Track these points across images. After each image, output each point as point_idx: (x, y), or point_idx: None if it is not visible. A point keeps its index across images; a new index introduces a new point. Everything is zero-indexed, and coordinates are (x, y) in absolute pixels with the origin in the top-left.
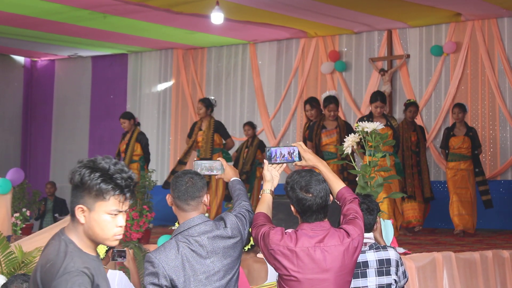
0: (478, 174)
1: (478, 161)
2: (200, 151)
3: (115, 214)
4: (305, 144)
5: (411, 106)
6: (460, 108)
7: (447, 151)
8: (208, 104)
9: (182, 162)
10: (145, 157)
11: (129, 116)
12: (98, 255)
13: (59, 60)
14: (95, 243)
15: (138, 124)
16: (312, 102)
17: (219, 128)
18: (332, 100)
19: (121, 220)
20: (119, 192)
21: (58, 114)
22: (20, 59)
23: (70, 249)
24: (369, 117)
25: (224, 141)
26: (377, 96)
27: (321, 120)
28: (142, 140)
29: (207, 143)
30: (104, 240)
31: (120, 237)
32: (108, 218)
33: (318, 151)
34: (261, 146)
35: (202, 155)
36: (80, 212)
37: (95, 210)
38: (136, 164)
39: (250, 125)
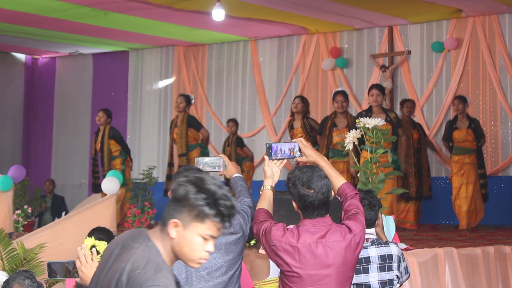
0: (480, 167)
1: (480, 153)
2: (177, 147)
3: (208, 239)
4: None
5: (407, 101)
6: (459, 99)
7: (450, 144)
8: (188, 100)
9: (170, 164)
10: (124, 150)
11: (108, 112)
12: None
13: (60, 57)
14: (177, 258)
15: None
16: (303, 97)
17: (191, 122)
18: (340, 92)
19: (211, 245)
20: (219, 220)
21: (59, 111)
22: (21, 56)
23: (161, 263)
24: (368, 111)
25: (200, 136)
26: (373, 85)
27: (332, 117)
28: (115, 134)
29: (181, 138)
30: (188, 260)
31: (204, 261)
32: (200, 240)
33: (328, 148)
34: (239, 142)
35: (179, 151)
36: (173, 227)
37: (189, 229)
38: (118, 160)
39: (235, 121)
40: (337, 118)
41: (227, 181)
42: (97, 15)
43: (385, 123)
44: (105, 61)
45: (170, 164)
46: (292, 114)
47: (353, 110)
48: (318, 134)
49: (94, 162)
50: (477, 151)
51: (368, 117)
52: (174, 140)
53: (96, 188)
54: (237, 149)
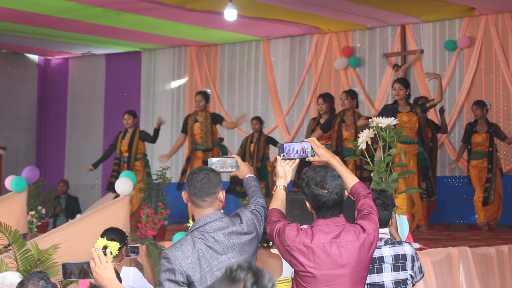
0: (489, 171)
1: (491, 157)
2: (200, 143)
3: None
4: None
5: (421, 99)
6: (477, 105)
7: (469, 146)
8: (207, 97)
9: (188, 159)
10: (153, 140)
11: (134, 113)
12: None
13: (73, 58)
14: None
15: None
16: (325, 96)
17: (217, 118)
18: (345, 91)
19: None
20: None
21: (72, 112)
22: (34, 57)
23: None
24: (394, 104)
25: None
26: (396, 79)
27: (341, 114)
28: (146, 137)
29: (206, 134)
30: None
31: None
32: None
33: (339, 145)
34: (270, 141)
35: (203, 146)
36: None
37: None
38: (140, 162)
39: (258, 119)
40: (345, 115)
41: (233, 181)
42: (109, 15)
43: (397, 122)
44: (117, 61)
45: (188, 159)
46: (320, 115)
47: (366, 109)
48: (320, 128)
49: (116, 161)
50: (489, 155)
51: (394, 109)
52: (194, 135)
53: (112, 186)
54: (266, 148)
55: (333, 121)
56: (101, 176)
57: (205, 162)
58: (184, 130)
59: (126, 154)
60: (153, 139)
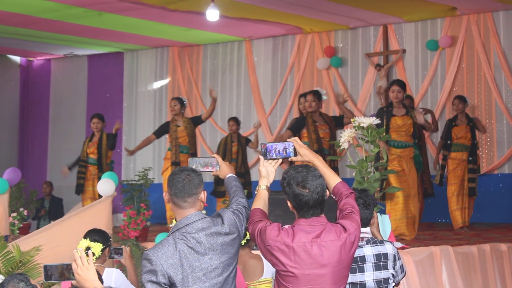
0: (472, 162)
1: (474, 150)
2: (188, 147)
3: None
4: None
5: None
6: (460, 99)
7: (449, 141)
8: (181, 102)
9: (176, 163)
10: (112, 146)
11: (103, 118)
12: None
13: (55, 59)
14: None
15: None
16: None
17: (197, 120)
18: (311, 92)
19: None
20: None
21: (55, 113)
22: (16, 58)
23: None
24: (389, 107)
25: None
26: (394, 81)
27: (311, 116)
28: (113, 144)
29: (192, 137)
30: None
31: None
32: None
33: (320, 145)
34: (247, 142)
35: (191, 150)
36: None
37: None
38: (106, 168)
39: (235, 120)
40: (314, 117)
41: (219, 181)
42: (91, 15)
43: (379, 121)
44: (100, 62)
45: (176, 163)
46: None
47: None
48: (290, 130)
49: (82, 163)
50: (471, 148)
51: (389, 113)
52: (178, 139)
53: (79, 189)
54: (245, 148)
55: (301, 123)
56: None
57: None
58: (158, 133)
59: (94, 156)
60: (111, 145)
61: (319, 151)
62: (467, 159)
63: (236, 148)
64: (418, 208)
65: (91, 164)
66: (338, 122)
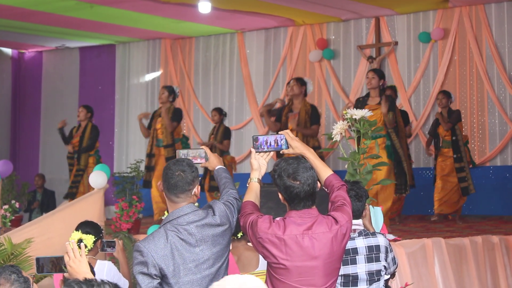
0: (459, 161)
1: (456, 146)
2: (161, 139)
3: None
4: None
5: (387, 88)
6: (444, 94)
7: (436, 140)
8: (171, 91)
9: (150, 155)
10: (64, 142)
11: (88, 108)
12: None
13: (47, 51)
14: None
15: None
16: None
17: (175, 116)
18: (294, 78)
19: None
20: None
21: (47, 105)
22: (8, 51)
23: None
24: (365, 96)
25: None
26: (371, 69)
27: (290, 104)
28: (96, 136)
29: (167, 129)
30: None
31: None
32: None
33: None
34: (226, 133)
35: (164, 142)
36: None
37: None
38: (92, 158)
39: (218, 111)
40: (293, 104)
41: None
42: (83, 8)
43: (372, 114)
44: (92, 54)
45: (150, 155)
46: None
47: (341, 101)
48: (277, 120)
49: (69, 155)
50: (452, 144)
51: (364, 102)
52: (157, 130)
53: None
54: (223, 141)
55: (281, 110)
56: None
57: (168, 159)
58: (149, 125)
59: (76, 148)
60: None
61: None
62: (452, 155)
63: (212, 141)
64: (392, 199)
65: (75, 158)
66: (314, 116)
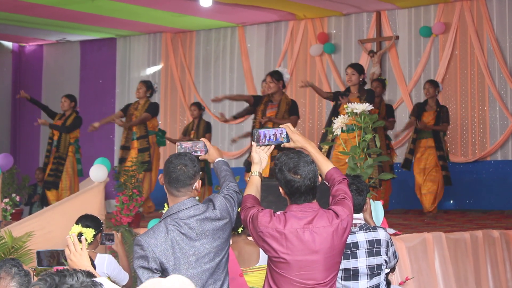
0: (439, 149)
1: (437, 136)
2: (135, 132)
3: None
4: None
5: (375, 81)
6: (431, 83)
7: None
8: (149, 86)
9: (125, 147)
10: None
11: (72, 97)
12: None
13: (47, 45)
14: None
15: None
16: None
17: (151, 110)
18: (269, 73)
19: None
20: None
21: (47, 99)
22: (8, 44)
23: None
24: (346, 91)
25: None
26: (350, 64)
27: (269, 96)
28: (79, 123)
29: (142, 123)
30: None
31: None
32: None
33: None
34: (209, 128)
35: (137, 134)
36: None
37: None
38: (71, 147)
39: (197, 105)
40: (273, 97)
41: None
42: (84, 1)
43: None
44: (92, 48)
45: (124, 147)
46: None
47: None
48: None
49: (49, 141)
50: (433, 134)
51: (345, 96)
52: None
53: (45, 167)
54: (206, 136)
55: (259, 100)
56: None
57: (141, 150)
58: (124, 110)
59: (56, 138)
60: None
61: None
62: (432, 146)
63: (193, 136)
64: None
65: (55, 146)
66: (294, 108)
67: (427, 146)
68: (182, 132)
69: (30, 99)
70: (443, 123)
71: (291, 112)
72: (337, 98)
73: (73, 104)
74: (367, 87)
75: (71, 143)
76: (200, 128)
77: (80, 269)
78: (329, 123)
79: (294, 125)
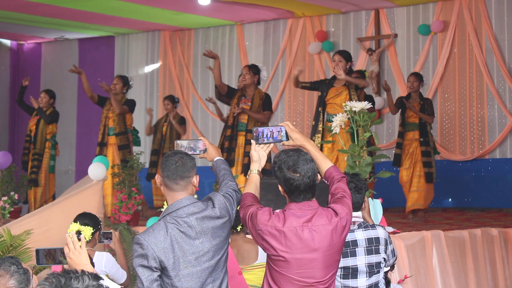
0: (425, 144)
1: (424, 129)
2: (113, 127)
3: None
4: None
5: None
6: (416, 76)
7: (402, 118)
8: (125, 82)
9: (102, 144)
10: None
11: (50, 93)
12: None
13: (46, 43)
14: None
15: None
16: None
17: (128, 105)
18: (247, 65)
19: None
20: None
21: None
22: (7, 42)
23: None
24: (332, 79)
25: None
26: (337, 51)
27: (242, 89)
28: (56, 117)
29: (119, 117)
30: None
31: None
32: None
33: (236, 119)
34: (182, 121)
35: (116, 130)
36: None
37: None
38: (48, 143)
39: (170, 99)
40: (246, 91)
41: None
42: None
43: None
44: (90, 46)
45: (102, 144)
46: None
47: None
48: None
49: (27, 138)
50: (419, 126)
51: (330, 84)
52: (108, 118)
53: (24, 165)
54: (180, 129)
55: (232, 93)
56: (75, 162)
57: (121, 147)
58: (101, 102)
59: (33, 134)
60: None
61: (232, 127)
62: (418, 138)
63: (165, 128)
64: None
65: (31, 142)
66: (267, 103)
67: (414, 138)
68: (153, 125)
69: (18, 100)
70: (429, 115)
71: (265, 107)
72: (321, 89)
73: (52, 100)
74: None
75: (47, 139)
76: (173, 122)
77: (87, 272)
78: (317, 115)
79: (267, 120)
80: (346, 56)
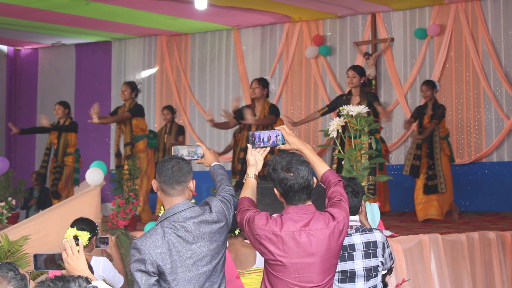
0: (430, 157)
1: (430, 141)
2: (123, 136)
3: None
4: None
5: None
6: (427, 85)
7: (420, 129)
8: (133, 87)
9: (118, 154)
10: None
11: (65, 104)
12: None
13: (43, 48)
14: None
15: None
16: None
17: (137, 111)
18: (256, 79)
19: None
20: None
21: (43, 102)
22: (3, 48)
23: None
24: (348, 95)
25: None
26: (351, 66)
27: (253, 106)
28: (75, 127)
29: (126, 126)
30: None
31: None
32: None
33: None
34: (181, 130)
35: (124, 141)
36: None
37: None
38: (71, 157)
39: (169, 109)
40: (255, 107)
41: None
42: (79, 5)
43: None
44: (87, 51)
45: (118, 154)
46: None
47: None
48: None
49: (47, 151)
50: (428, 138)
51: (347, 101)
52: (121, 128)
53: (41, 178)
54: (178, 138)
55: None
56: None
57: (127, 157)
58: (113, 114)
59: (55, 147)
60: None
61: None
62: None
63: (166, 140)
64: None
65: (54, 154)
66: (272, 109)
67: (426, 150)
68: (154, 135)
69: (21, 131)
70: (433, 122)
71: (271, 112)
72: (339, 105)
73: (67, 111)
74: None
75: (70, 153)
76: (173, 131)
77: (80, 275)
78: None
79: (271, 123)
80: (359, 71)
